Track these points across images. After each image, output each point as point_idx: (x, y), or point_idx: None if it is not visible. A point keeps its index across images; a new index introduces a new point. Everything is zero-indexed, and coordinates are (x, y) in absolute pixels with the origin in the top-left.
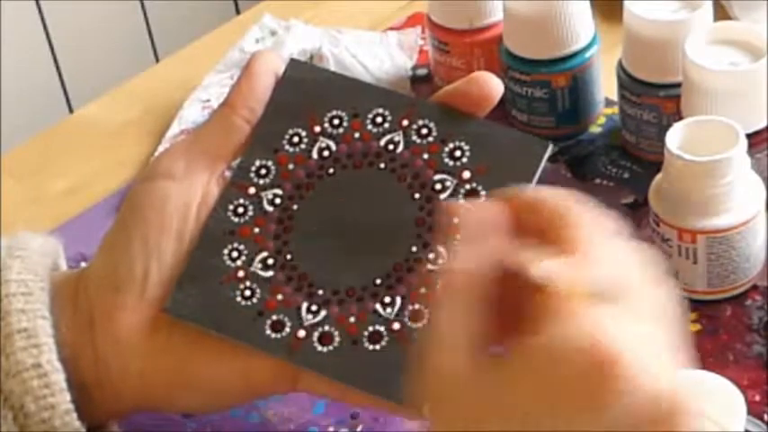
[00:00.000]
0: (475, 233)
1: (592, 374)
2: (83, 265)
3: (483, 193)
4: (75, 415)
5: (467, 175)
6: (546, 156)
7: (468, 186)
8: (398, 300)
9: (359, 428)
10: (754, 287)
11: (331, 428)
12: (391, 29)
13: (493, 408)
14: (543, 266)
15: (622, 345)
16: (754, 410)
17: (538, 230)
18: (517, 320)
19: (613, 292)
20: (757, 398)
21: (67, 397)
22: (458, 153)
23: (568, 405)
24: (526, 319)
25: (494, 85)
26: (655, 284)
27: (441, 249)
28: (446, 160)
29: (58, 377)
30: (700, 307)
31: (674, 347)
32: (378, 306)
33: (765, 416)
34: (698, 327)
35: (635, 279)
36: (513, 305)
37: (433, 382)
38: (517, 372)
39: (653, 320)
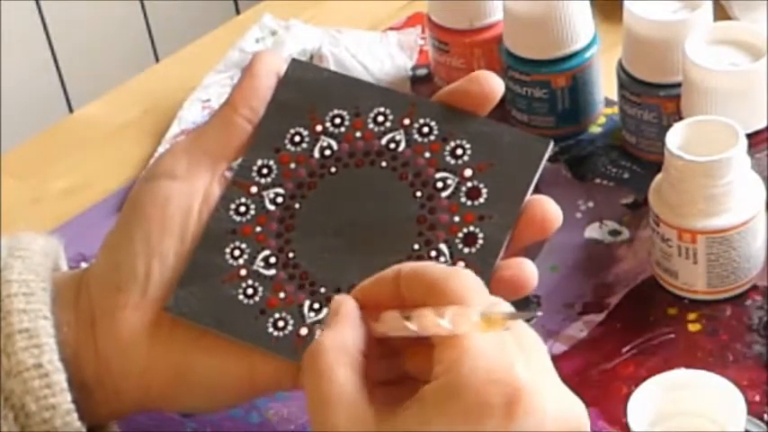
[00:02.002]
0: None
1: (502, 403)
2: (83, 265)
3: (484, 190)
4: (75, 415)
5: (468, 173)
6: (547, 154)
7: (469, 184)
8: None
9: None
10: (754, 287)
11: None
12: (391, 29)
13: None
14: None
15: (523, 376)
16: (754, 410)
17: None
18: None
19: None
20: (757, 398)
21: (68, 397)
22: (459, 151)
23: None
24: (421, 371)
25: (494, 84)
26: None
27: (443, 247)
28: (447, 159)
29: (60, 377)
30: (700, 307)
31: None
32: None
33: (765, 416)
34: (698, 327)
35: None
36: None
37: None
38: (429, 411)
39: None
